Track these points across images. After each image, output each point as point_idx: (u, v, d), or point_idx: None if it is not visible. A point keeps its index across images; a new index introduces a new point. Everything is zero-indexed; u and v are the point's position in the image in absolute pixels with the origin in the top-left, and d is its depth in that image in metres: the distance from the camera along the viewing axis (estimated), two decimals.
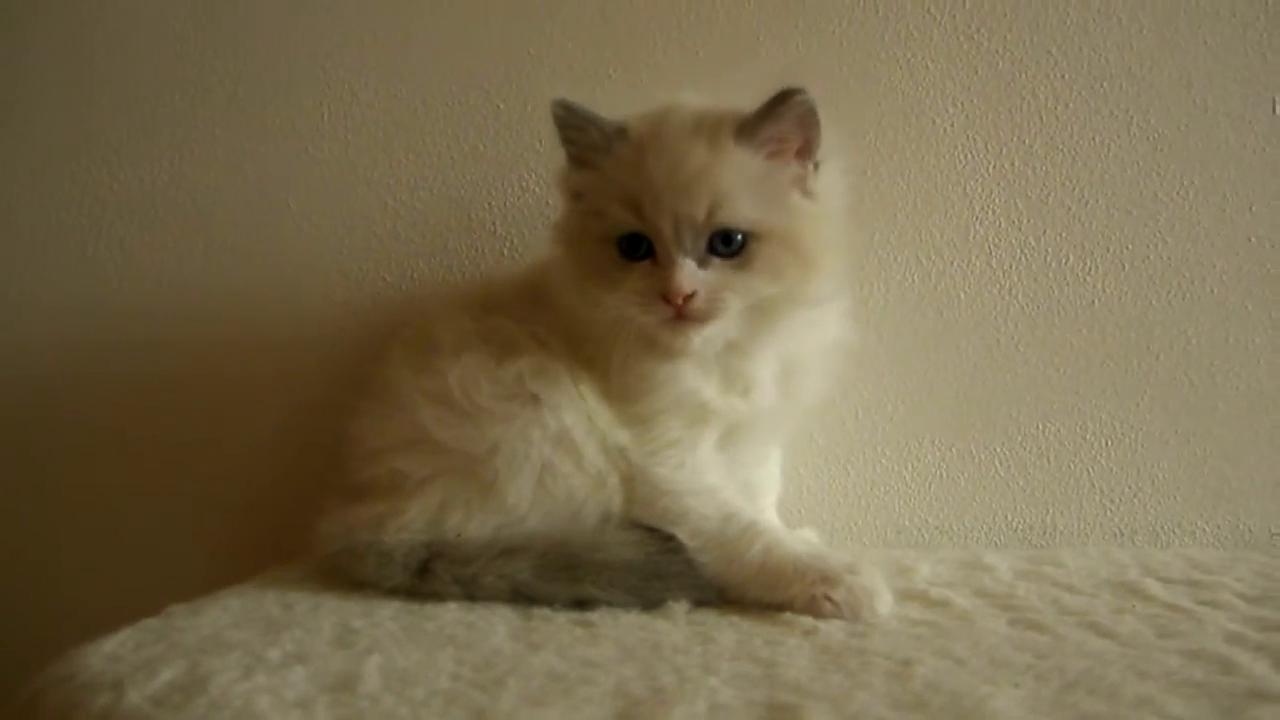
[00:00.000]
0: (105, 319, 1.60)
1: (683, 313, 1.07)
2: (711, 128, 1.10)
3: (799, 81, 1.08)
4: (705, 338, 1.10)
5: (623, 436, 1.14)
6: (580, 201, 1.17)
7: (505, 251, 1.53)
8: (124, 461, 1.59)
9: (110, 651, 0.90)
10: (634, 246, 1.11)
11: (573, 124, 1.14)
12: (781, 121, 1.09)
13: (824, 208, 1.14)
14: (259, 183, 1.57)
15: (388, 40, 1.54)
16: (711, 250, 1.09)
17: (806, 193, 1.12)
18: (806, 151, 1.11)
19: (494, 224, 1.53)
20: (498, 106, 1.53)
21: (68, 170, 1.61)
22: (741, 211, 1.08)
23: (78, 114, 1.60)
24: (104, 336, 1.60)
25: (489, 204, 1.53)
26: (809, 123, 1.10)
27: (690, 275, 1.07)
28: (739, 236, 1.08)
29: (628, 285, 1.10)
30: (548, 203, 1.50)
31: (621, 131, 1.12)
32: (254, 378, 1.56)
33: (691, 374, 1.14)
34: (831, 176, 1.15)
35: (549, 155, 1.48)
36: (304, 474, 1.45)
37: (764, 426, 1.22)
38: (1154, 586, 1.13)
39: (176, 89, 1.59)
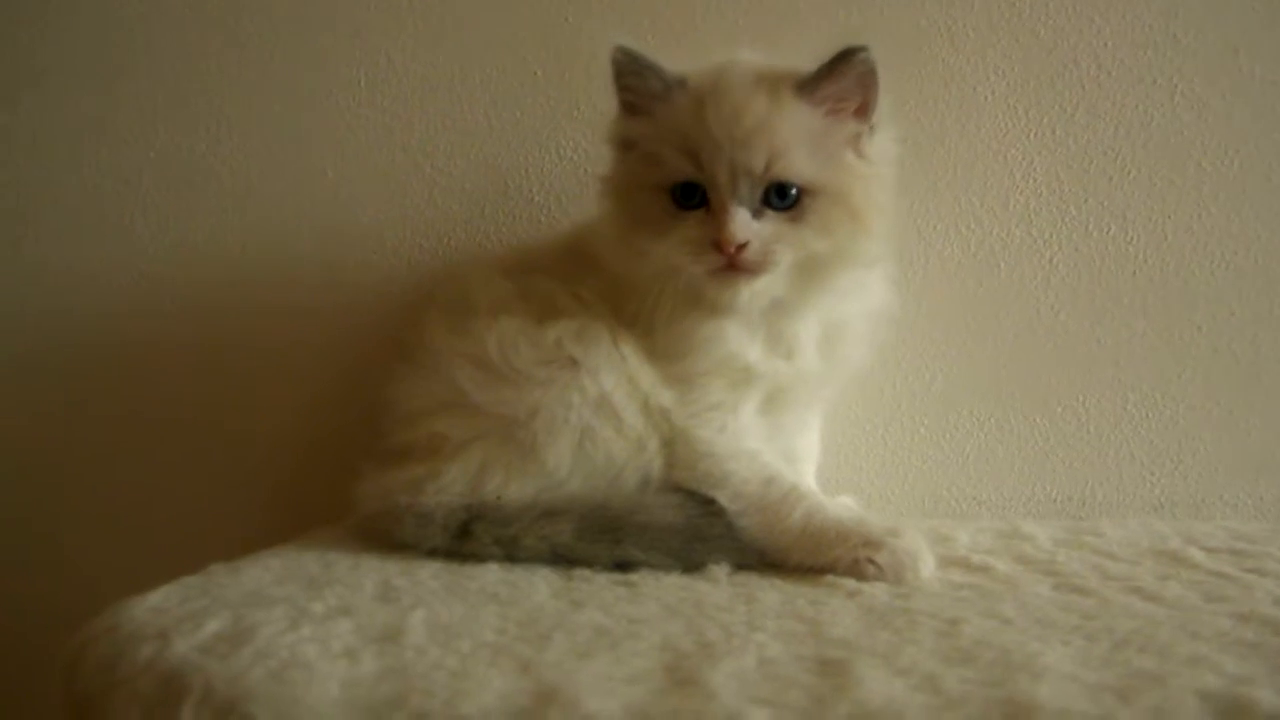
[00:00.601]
0: (144, 287, 1.60)
1: (735, 262, 1.07)
2: (773, 82, 1.09)
3: (861, 41, 1.08)
4: (754, 291, 1.10)
5: (666, 397, 1.14)
6: (632, 150, 1.16)
7: (543, 219, 1.52)
8: (163, 428, 1.59)
9: (154, 604, 0.90)
10: (688, 195, 1.10)
11: (632, 70, 1.13)
12: (843, 79, 1.09)
13: (876, 170, 1.14)
14: (296, 151, 1.57)
15: (424, 7, 1.54)
16: (765, 202, 1.08)
17: (860, 153, 1.12)
18: (864, 111, 1.11)
19: (531, 191, 1.52)
20: (535, 73, 1.52)
21: (104, 139, 1.61)
22: (798, 165, 1.08)
23: (113, 83, 1.60)
24: (143, 304, 1.60)
25: (526, 171, 1.52)
26: (868, 82, 1.10)
27: (744, 224, 1.07)
28: (793, 190, 1.08)
29: (679, 233, 1.09)
30: (585, 170, 1.50)
31: (681, 81, 1.12)
32: (292, 343, 1.56)
33: (736, 335, 1.13)
34: (885, 141, 1.15)
35: (587, 122, 1.49)
36: (343, 438, 1.46)
37: (806, 391, 1.21)
38: (1198, 555, 1.12)
39: (212, 57, 1.58)
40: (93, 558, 1.60)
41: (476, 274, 1.25)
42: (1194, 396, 1.42)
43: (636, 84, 1.13)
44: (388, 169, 1.55)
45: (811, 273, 1.12)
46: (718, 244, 1.06)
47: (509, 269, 1.24)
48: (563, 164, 1.51)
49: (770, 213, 1.09)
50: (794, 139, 1.07)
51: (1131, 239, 1.43)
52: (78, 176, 1.62)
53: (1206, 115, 1.41)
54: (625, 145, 1.17)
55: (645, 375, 1.14)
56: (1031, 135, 1.44)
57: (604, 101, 1.38)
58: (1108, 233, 1.43)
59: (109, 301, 1.60)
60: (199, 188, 1.59)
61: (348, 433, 1.43)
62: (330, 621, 0.84)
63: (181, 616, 0.85)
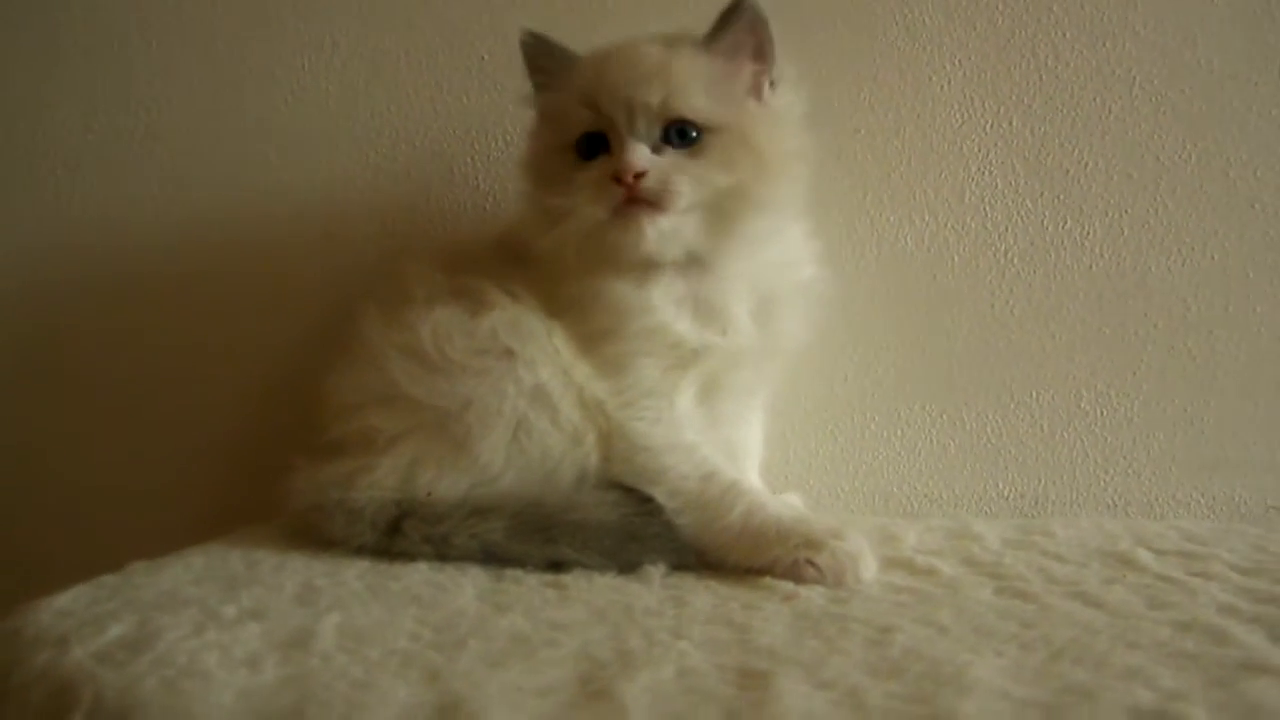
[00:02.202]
0: (80, 273, 1.57)
1: (634, 193, 1.07)
2: (671, 40, 1.14)
3: None
4: (660, 231, 1.09)
5: (600, 389, 1.12)
6: (544, 124, 1.20)
7: (488, 206, 1.50)
8: (95, 418, 1.57)
9: (62, 607, 0.88)
10: (592, 147, 1.12)
11: (542, 52, 1.18)
12: (735, 29, 1.13)
13: (778, 116, 1.16)
14: (238, 135, 1.54)
15: None
16: (666, 140, 1.10)
17: (761, 99, 1.15)
18: (760, 58, 1.15)
19: (476, 178, 1.50)
20: (481, 58, 1.49)
21: (41, 121, 1.58)
22: (695, 102, 1.10)
23: (51, 64, 1.57)
24: (78, 290, 1.57)
25: (471, 157, 1.50)
26: (758, 28, 1.13)
27: (642, 155, 1.09)
28: (694, 132, 1.10)
29: (582, 178, 1.11)
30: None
31: (569, 63, 1.17)
32: (232, 332, 1.53)
33: (663, 305, 1.12)
34: (789, 94, 1.18)
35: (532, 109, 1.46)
36: (283, 431, 1.42)
37: (743, 375, 1.19)
38: (1145, 557, 1.09)
39: (153, 38, 1.56)
40: (21, 551, 1.56)
41: (413, 270, 1.22)
42: (1148, 394, 1.40)
43: (546, 64, 1.19)
44: (331, 154, 1.52)
45: (721, 216, 1.12)
46: (616, 176, 1.07)
47: (444, 266, 1.21)
48: (508, 151, 1.48)
49: (670, 150, 1.10)
50: (691, 79, 1.10)
51: (1087, 233, 1.40)
52: (14, 158, 1.58)
53: (1164, 109, 1.39)
54: (539, 122, 1.21)
55: (580, 368, 1.12)
56: (987, 127, 1.41)
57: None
58: (1063, 226, 1.41)
59: (42, 286, 1.58)
60: (138, 172, 1.56)
61: (288, 425, 1.39)
62: (238, 626, 0.81)
63: (86, 620, 0.83)
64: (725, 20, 1.12)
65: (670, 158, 1.09)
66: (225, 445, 1.54)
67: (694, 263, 1.13)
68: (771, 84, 1.15)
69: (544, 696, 0.67)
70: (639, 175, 1.07)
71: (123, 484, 1.56)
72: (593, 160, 1.12)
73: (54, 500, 1.57)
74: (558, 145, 1.15)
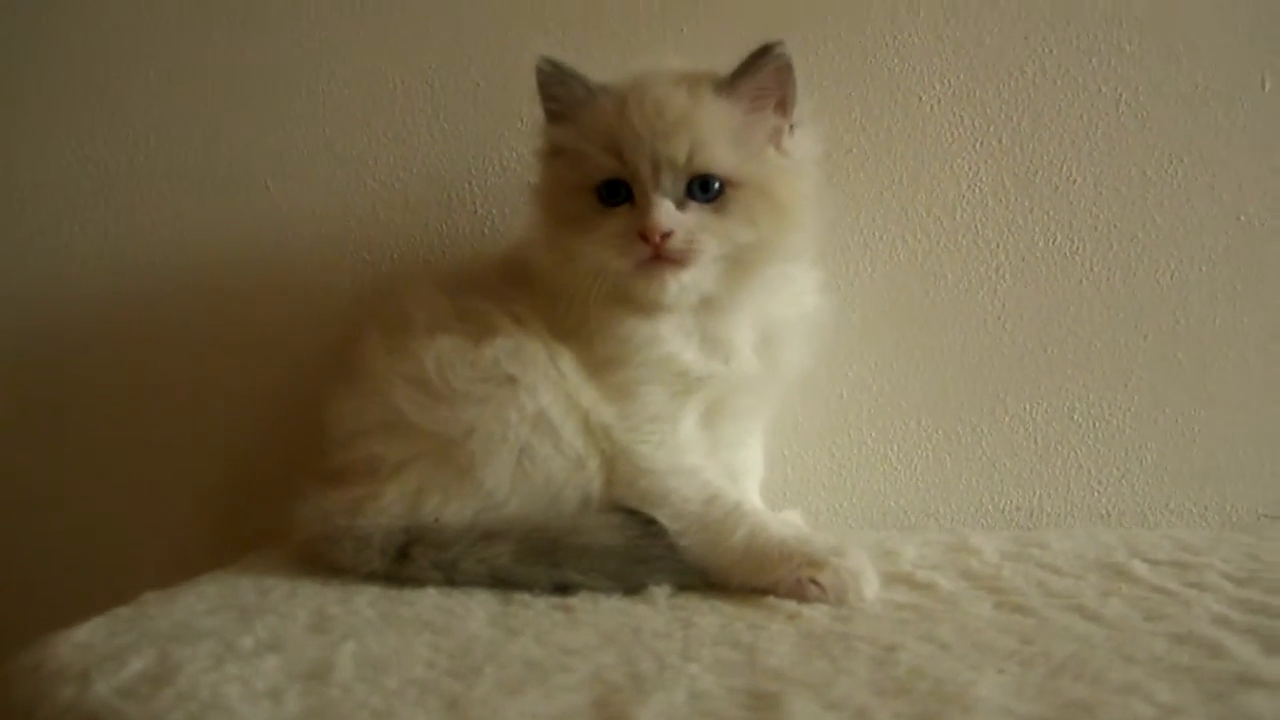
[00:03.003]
0: (79, 303, 1.58)
1: (660, 252, 1.08)
2: (693, 81, 1.13)
3: (777, 37, 1.12)
4: (681, 285, 1.11)
5: (607, 413, 1.14)
6: (559, 157, 1.18)
7: (485, 231, 1.51)
8: (100, 447, 1.58)
9: (80, 640, 0.88)
10: (613, 192, 1.12)
11: (557, 80, 1.15)
12: (760, 75, 1.12)
13: (799, 165, 1.16)
14: (236, 163, 1.55)
15: (366, 17, 1.52)
16: (689, 195, 1.10)
17: (782, 149, 1.15)
18: (783, 107, 1.15)
19: (474, 203, 1.51)
20: (477, 84, 1.51)
21: (39, 150, 1.59)
22: (719, 157, 1.10)
23: (49, 94, 1.58)
24: (77, 321, 1.58)
25: (469, 183, 1.51)
26: (785, 77, 1.13)
27: (668, 214, 1.09)
28: (716, 184, 1.10)
29: (605, 229, 1.11)
30: (528, 182, 1.46)
31: (604, 88, 1.15)
32: (232, 360, 1.54)
33: (672, 337, 1.14)
34: (807, 139, 1.18)
35: (529, 134, 1.46)
36: (285, 455, 1.43)
37: (745, 400, 1.21)
38: (1140, 568, 1.12)
39: (151, 67, 1.57)
40: (28, 580, 1.57)
41: (414, 293, 1.24)
42: (1140, 406, 1.42)
43: (561, 93, 1.16)
44: (329, 181, 1.53)
45: (739, 266, 1.13)
46: (643, 234, 1.08)
47: (447, 288, 1.23)
48: (505, 176, 1.50)
49: (694, 204, 1.10)
50: (715, 132, 1.10)
51: (1077, 248, 1.43)
52: (10, 188, 1.60)
53: (1151, 125, 1.41)
54: (552, 152, 1.19)
55: (585, 393, 1.14)
56: (977, 144, 1.44)
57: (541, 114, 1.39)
58: (1053, 242, 1.43)
59: (40, 317, 1.59)
60: (137, 201, 1.57)
61: (290, 450, 1.40)
62: (257, 658, 0.82)
63: (105, 654, 0.84)
64: (751, 66, 1.12)
65: (695, 215, 1.10)
66: (227, 473, 1.55)
67: (706, 303, 1.14)
68: (791, 129, 1.15)
69: None
70: (665, 235, 1.08)
71: (125, 514, 1.57)
72: (614, 207, 1.11)
73: (58, 532, 1.58)
74: (577, 185, 1.14)
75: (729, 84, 1.12)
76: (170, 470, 1.56)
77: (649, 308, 1.13)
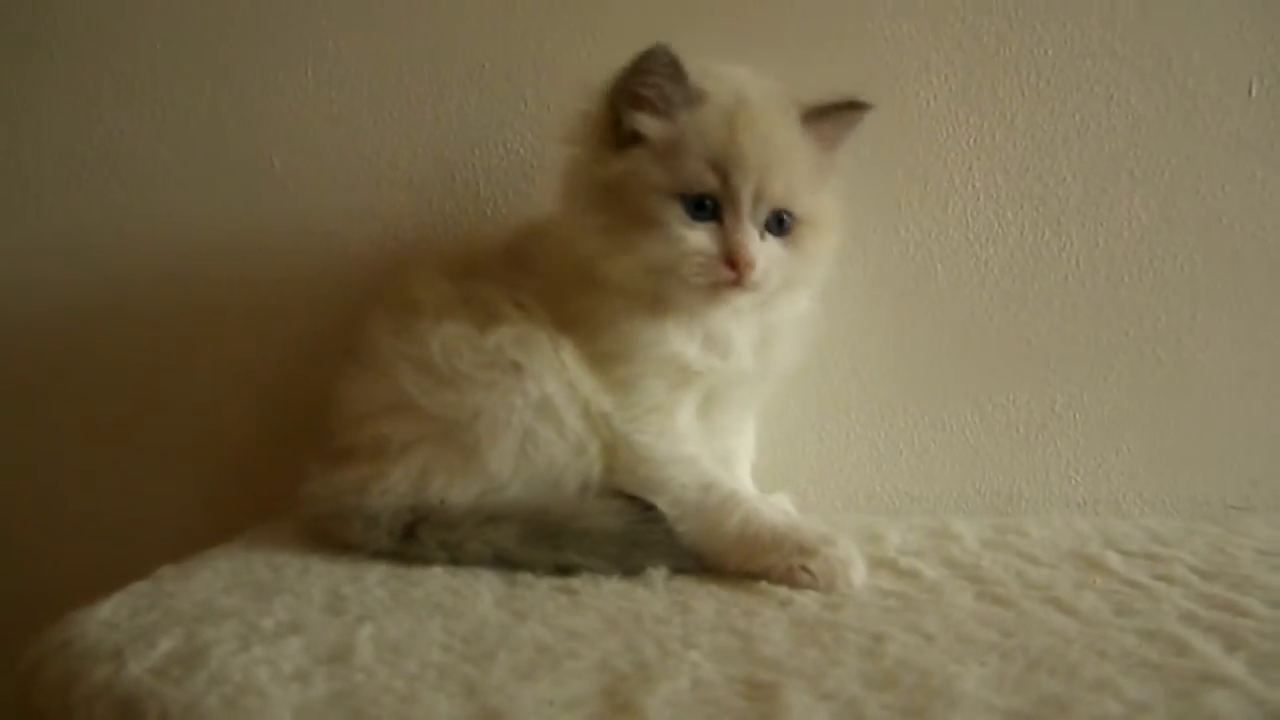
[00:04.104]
0: (85, 275, 1.60)
1: (740, 280, 1.11)
2: (786, 109, 1.16)
3: (866, 97, 1.21)
4: (736, 307, 1.17)
5: (606, 403, 1.17)
6: (638, 147, 1.13)
7: (488, 212, 1.53)
8: (106, 423, 1.61)
9: (106, 618, 0.92)
10: (701, 206, 1.12)
11: (667, 73, 1.11)
12: (842, 125, 1.21)
13: (835, 200, 1.23)
14: (242, 141, 1.57)
15: None
16: (766, 227, 1.14)
17: (827, 188, 1.21)
18: (836, 149, 1.22)
19: (478, 184, 1.53)
20: (482, 66, 1.52)
21: (45, 121, 1.60)
22: (803, 196, 1.16)
23: (54, 65, 1.59)
24: (82, 294, 1.60)
25: (472, 164, 1.53)
26: (857, 128, 1.22)
27: (759, 246, 1.12)
28: (787, 218, 1.15)
29: (691, 243, 1.11)
30: (531, 164, 1.52)
31: (702, 94, 1.13)
32: (238, 337, 1.57)
33: (675, 335, 1.17)
34: (835, 175, 1.24)
35: (533, 117, 1.51)
36: (288, 431, 1.49)
37: (741, 393, 1.25)
38: (1113, 559, 1.16)
39: (157, 40, 1.58)
40: (42, 552, 1.61)
41: (420, 276, 1.27)
42: (1119, 398, 1.47)
43: (664, 85, 1.12)
44: (335, 161, 1.55)
45: (778, 292, 1.18)
46: (733, 261, 1.10)
47: (452, 272, 1.26)
48: (509, 158, 1.52)
49: (770, 237, 1.15)
50: (804, 170, 1.15)
51: (1065, 244, 1.47)
52: (17, 158, 1.61)
53: (1140, 125, 1.45)
54: (629, 141, 1.14)
55: (586, 382, 1.17)
56: (971, 141, 1.47)
57: (550, 96, 1.45)
58: (1042, 238, 1.47)
59: (45, 290, 1.61)
60: (143, 175, 1.59)
61: (293, 426, 1.45)
62: (280, 640, 0.86)
63: (134, 633, 0.88)
64: (839, 112, 1.19)
65: (771, 248, 1.14)
66: (232, 445, 1.58)
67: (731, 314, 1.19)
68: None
69: (573, 709, 0.73)
70: (750, 265, 1.10)
71: (133, 488, 1.60)
72: (699, 221, 1.12)
73: (67, 503, 1.62)
74: (664, 188, 1.11)
75: (813, 120, 1.17)
76: (175, 446, 1.59)
77: (680, 311, 1.16)
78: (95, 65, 1.58)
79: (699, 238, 1.11)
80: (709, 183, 1.11)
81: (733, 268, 1.10)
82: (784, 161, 1.12)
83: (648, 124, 1.13)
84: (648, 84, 1.12)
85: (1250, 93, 1.43)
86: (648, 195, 1.12)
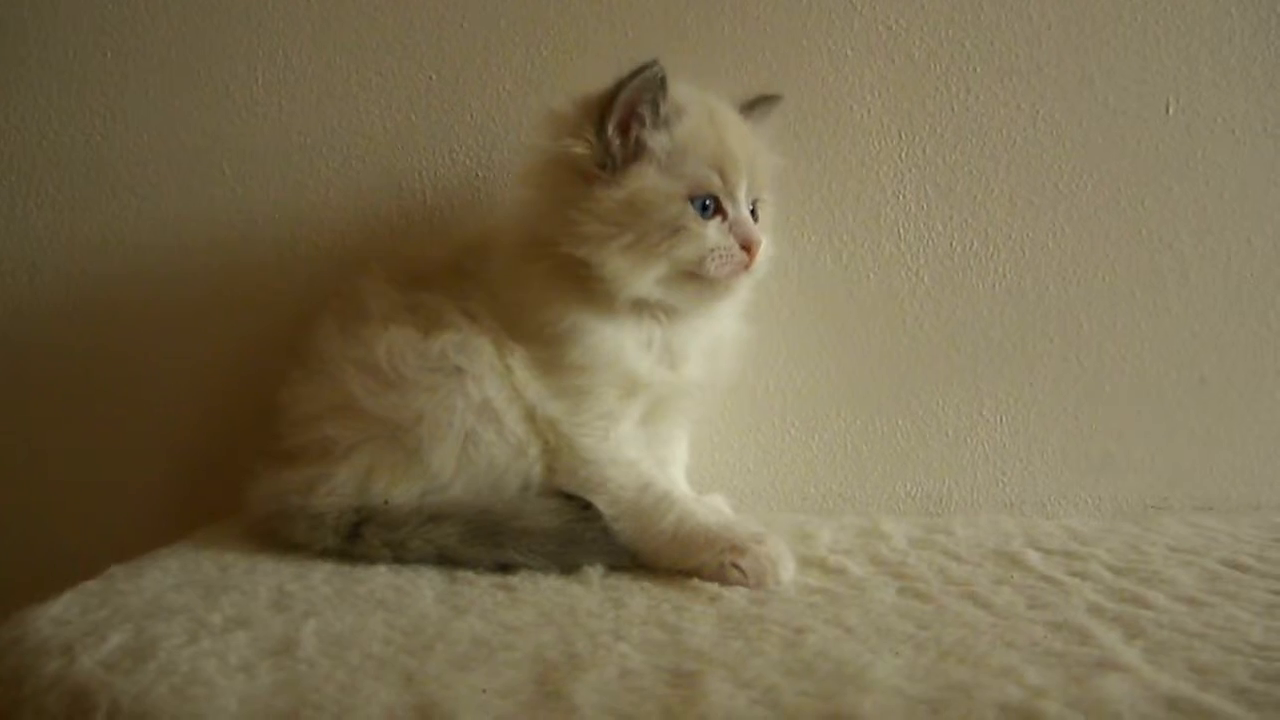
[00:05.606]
0: (35, 279, 1.62)
1: (751, 262, 1.22)
2: (736, 110, 1.30)
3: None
4: (739, 296, 1.29)
5: (555, 408, 1.21)
6: (644, 162, 1.19)
7: (435, 220, 1.57)
8: (55, 422, 1.62)
9: (56, 615, 0.95)
10: (706, 205, 1.20)
11: (661, 90, 1.18)
12: (764, 118, 1.34)
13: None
14: (192, 146, 1.59)
15: (321, 7, 1.57)
16: (751, 213, 1.25)
17: None
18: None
19: (424, 193, 1.57)
20: (430, 78, 1.56)
21: None
22: (768, 180, 1.30)
23: (6, 69, 1.61)
24: (33, 296, 1.62)
25: (420, 173, 1.57)
26: (768, 122, 1.35)
27: (757, 228, 1.24)
28: (758, 203, 1.28)
29: (710, 238, 1.20)
30: (477, 174, 1.55)
31: (680, 105, 1.21)
32: (185, 340, 1.59)
33: (633, 348, 1.22)
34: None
35: (479, 127, 1.54)
36: (236, 434, 1.50)
37: (685, 403, 1.30)
38: (1033, 557, 1.21)
39: (108, 47, 1.60)
40: None
41: (369, 285, 1.30)
42: (1043, 403, 1.53)
43: (659, 101, 1.18)
44: (284, 168, 1.58)
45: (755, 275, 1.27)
46: (747, 246, 1.21)
47: (399, 281, 1.29)
48: (455, 167, 1.56)
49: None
50: (766, 159, 1.29)
51: (992, 255, 1.52)
52: None
53: (1064, 140, 1.51)
54: (635, 156, 1.19)
55: (533, 387, 1.21)
56: (902, 154, 1.52)
57: (496, 109, 1.49)
58: (970, 248, 1.52)
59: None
60: (94, 180, 1.61)
61: (243, 429, 1.47)
62: (228, 634, 0.90)
63: (85, 629, 0.91)
64: (763, 106, 1.34)
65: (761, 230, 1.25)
66: (181, 447, 1.60)
67: (670, 310, 1.24)
68: None
69: (505, 697, 0.77)
70: (759, 245, 1.21)
71: (77, 487, 1.62)
72: (707, 218, 1.20)
73: (16, 502, 1.63)
74: (677, 193, 1.18)
75: (747, 116, 1.30)
76: (125, 444, 1.61)
77: (717, 300, 1.25)
78: (45, 73, 1.60)
79: (714, 233, 1.20)
80: (714, 183, 1.20)
81: (749, 251, 1.21)
82: (758, 154, 1.25)
83: (656, 138, 1.20)
84: (643, 100, 1.18)
85: (1168, 110, 1.49)
86: (669, 203, 1.18)
